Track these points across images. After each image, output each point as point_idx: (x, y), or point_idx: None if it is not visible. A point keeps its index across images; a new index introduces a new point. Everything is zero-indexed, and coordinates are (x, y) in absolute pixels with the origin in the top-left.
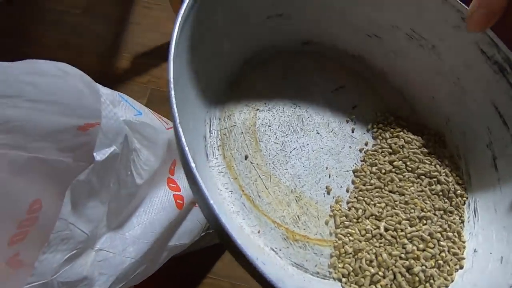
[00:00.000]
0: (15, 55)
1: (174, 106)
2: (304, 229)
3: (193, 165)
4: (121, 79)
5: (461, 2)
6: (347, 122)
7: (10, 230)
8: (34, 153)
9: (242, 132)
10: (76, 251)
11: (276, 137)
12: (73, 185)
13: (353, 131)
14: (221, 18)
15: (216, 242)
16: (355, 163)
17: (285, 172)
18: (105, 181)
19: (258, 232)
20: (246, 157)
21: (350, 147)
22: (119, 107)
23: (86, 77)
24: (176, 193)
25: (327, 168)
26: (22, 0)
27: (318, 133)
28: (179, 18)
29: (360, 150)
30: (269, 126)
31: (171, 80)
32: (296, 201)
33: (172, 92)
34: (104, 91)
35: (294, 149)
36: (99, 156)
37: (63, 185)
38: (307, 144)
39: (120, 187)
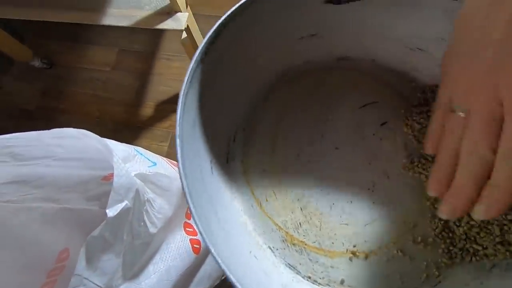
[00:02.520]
0: (54, 111)
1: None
2: (304, 236)
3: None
4: (145, 126)
5: None
6: (372, 138)
7: (40, 279)
8: (63, 204)
9: (263, 141)
10: None
11: (293, 148)
12: (88, 242)
13: (377, 148)
14: (253, 42)
15: None
16: (372, 181)
17: (296, 181)
18: (118, 234)
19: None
20: (262, 164)
21: (369, 163)
22: (133, 162)
23: (101, 138)
24: (193, 237)
25: (338, 182)
26: (61, 63)
27: (337, 148)
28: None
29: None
30: (289, 138)
31: (185, 83)
32: (301, 209)
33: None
34: (118, 148)
35: (309, 161)
36: (111, 212)
37: (90, 233)
38: (323, 158)
39: (134, 238)
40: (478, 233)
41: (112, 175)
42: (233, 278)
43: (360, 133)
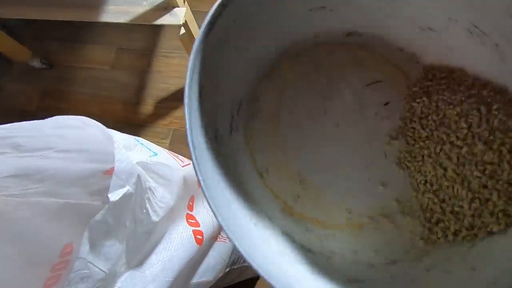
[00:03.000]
0: (54, 111)
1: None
2: (301, 207)
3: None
4: (146, 123)
5: None
6: (374, 118)
7: (44, 274)
8: (65, 199)
9: (266, 115)
10: None
11: (296, 124)
12: (90, 226)
13: (377, 127)
14: (257, 11)
15: (242, 279)
16: (370, 159)
17: (296, 155)
18: (121, 220)
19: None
20: (265, 137)
21: (369, 143)
22: (134, 151)
23: (101, 126)
24: (196, 228)
25: (337, 159)
26: (60, 63)
27: (338, 126)
28: (212, 11)
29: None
30: (292, 113)
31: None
32: (300, 182)
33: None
34: (119, 137)
35: (311, 136)
36: (113, 196)
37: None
38: (324, 134)
39: (136, 225)
40: (462, 207)
41: (113, 169)
42: (235, 241)
43: (362, 112)
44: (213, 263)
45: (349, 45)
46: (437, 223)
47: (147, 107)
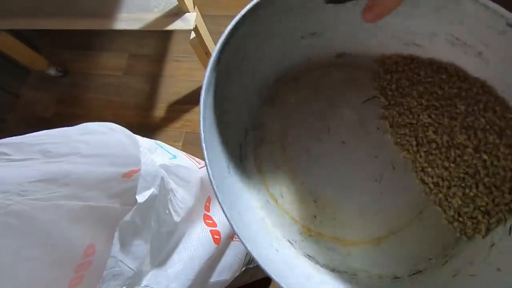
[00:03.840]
0: (69, 117)
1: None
2: (319, 227)
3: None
4: (158, 127)
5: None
6: (376, 132)
7: (68, 275)
8: (86, 201)
9: (273, 140)
10: (126, 286)
11: (303, 146)
12: (120, 226)
13: (381, 140)
14: (253, 45)
15: (258, 279)
16: (379, 173)
17: (307, 176)
18: (147, 220)
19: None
20: (274, 162)
21: (376, 156)
22: (156, 154)
23: (127, 131)
24: (213, 228)
25: (347, 175)
26: (75, 71)
27: (344, 143)
28: (218, 46)
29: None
30: (297, 136)
31: (204, 88)
32: (314, 202)
33: (203, 96)
34: (143, 141)
35: (318, 156)
36: (141, 198)
37: (112, 229)
38: (331, 153)
39: (160, 226)
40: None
41: (132, 172)
42: (262, 264)
43: (364, 128)
44: (230, 263)
45: (341, 65)
46: (459, 218)
47: (159, 111)
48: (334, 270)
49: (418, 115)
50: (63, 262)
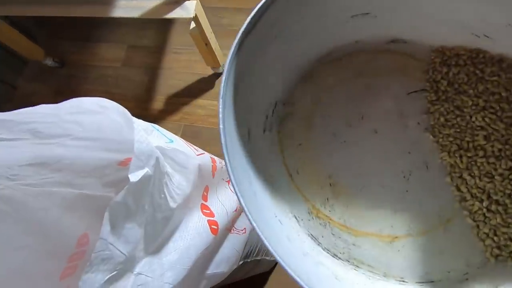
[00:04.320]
0: None
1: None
2: (330, 211)
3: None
4: (156, 119)
5: None
6: (415, 128)
7: (61, 264)
8: (80, 189)
9: (300, 117)
10: (116, 272)
11: (330, 127)
12: (111, 207)
13: (419, 138)
14: (301, 18)
15: (255, 274)
16: (409, 169)
17: (328, 159)
18: (140, 203)
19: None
20: (297, 139)
21: (409, 152)
22: (151, 136)
23: (120, 108)
24: (210, 218)
25: (373, 166)
26: (72, 62)
27: (376, 133)
28: (255, 10)
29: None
30: (327, 116)
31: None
32: (330, 185)
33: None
34: (138, 122)
35: (345, 141)
36: (133, 177)
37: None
38: (360, 140)
39: (155, 210)
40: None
41: (128, 160)
42: (259, 232)
43: (403, 120)
44: (227, 255)
45: (391, 51)
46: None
47: (158, 103)
48: (335, 256)
49: (470, 116)
50: (55, 251)
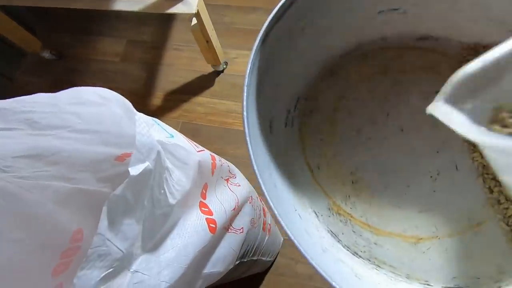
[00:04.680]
0: None
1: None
2: (351, 208)
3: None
4: (155, 116)
5: None
6: (444, 125)
7: (54, 260)
8: (75, 184)
9: (323, 113)
10: (113, 269)
11: (354, 124)
12: (109, 201)
13: (449, 137)
14: (328, 11)
15: (250, 274)
16: (437, 169)
17: (351, 156)
18: (139, 197)
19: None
20: (319, 135)
21: (437, 152)
22: (152, 129)
23: (121, 99)
24: (209, 216)
25: (398, 164)
26: (70, 55)
27: (402, 131)
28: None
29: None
30: (351, 112)
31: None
32: (352, 182)
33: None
34: (139, 114)
35: (369, 138)
36: (134, 171)
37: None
38: (385, 138)
39: (154, 206)
40: None
41: (125, 155)
42: (280, 219)
43: (432, 119)
44: (224, 254)
45: (420, 49)
46: None
47: (157, 99)
48: (355, 254)
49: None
50: (48, 246)
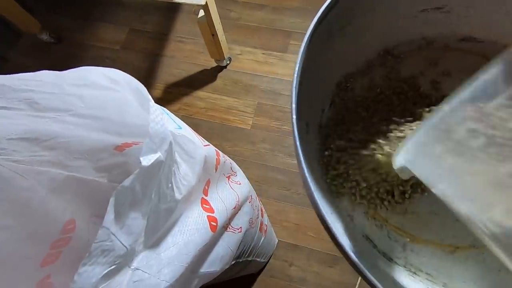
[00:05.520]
0: None
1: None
2: (387, 213)
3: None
4: None
5: None
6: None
7: (43, 250)
8: (71, 172)
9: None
10: (115, 266)
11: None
12: (117, 192)
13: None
14: (368, 9)
15: (243, 274)
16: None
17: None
18: (147, 190)
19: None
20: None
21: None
22: (163, 116)
23: (135, 83)
24: (210, 214)
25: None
26: (69, 39)
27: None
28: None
29: None
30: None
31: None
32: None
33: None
34: (151, 99)
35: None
36: (145, 161)
37: (96, 206)
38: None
39: (160, 201)
40: None
41: (126, 145)
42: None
43: None
44: (221, 254)
45: (462, 50)
46: None
47: (157, 91)
48: (391, 260)
49: None
50: (39, 236)
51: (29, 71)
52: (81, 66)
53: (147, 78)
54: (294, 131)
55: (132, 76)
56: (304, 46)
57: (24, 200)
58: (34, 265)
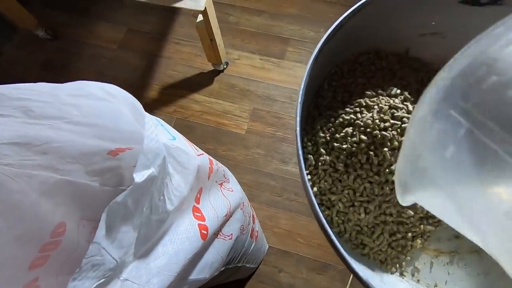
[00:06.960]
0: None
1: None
2: None
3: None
4: (149, 109)
5: None
6: None
7: (32, 253)
8: (63, 175)
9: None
10: (104, 279)
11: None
12: (109, 208)
13: None
14: (372, 33)
15: (233, 280)
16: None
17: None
18: (139, 204)
19: None
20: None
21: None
22: (156, 131)
23: (131, 98)
24: (201, 222)
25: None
26: (66, 36)
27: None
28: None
29: None
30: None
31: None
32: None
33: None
34: (148, 115)
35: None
36: (138, 177)
37: (87, 210)
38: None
39: (151, 212)
40: None
41: (119, 150)
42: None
43: None
44: (211, 261)
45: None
46: None
47: (152, 92)
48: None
49: None
50: (28, 238)
51: (24, 67)
52: (77, 63)
53: (143, 78)
54: (297, 142)
55: (128, 75)
56: (311, 64)
57: (14, 202)
58: (23, 268)
